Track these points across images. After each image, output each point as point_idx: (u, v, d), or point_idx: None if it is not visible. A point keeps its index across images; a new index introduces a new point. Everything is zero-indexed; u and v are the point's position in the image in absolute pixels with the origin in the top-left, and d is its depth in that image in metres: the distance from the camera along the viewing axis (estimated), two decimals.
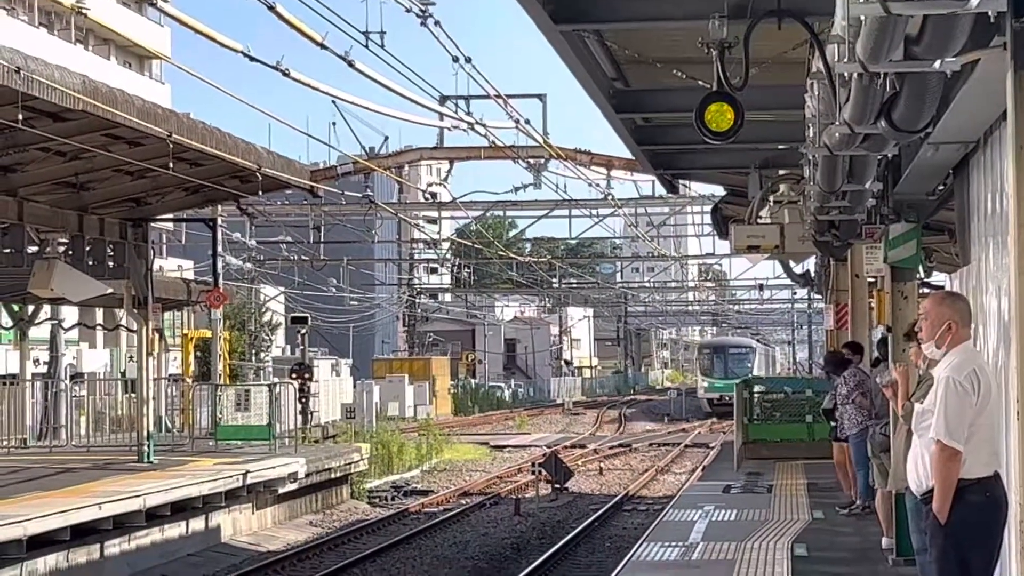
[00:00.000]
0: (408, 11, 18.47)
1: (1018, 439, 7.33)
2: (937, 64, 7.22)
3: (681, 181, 28.82)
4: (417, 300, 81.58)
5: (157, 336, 31.22)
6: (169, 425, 33.01)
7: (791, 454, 25.48)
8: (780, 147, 18.57)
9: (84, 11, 30.52)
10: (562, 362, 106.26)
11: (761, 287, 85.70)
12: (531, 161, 40.32)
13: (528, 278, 77.41)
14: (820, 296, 38.65)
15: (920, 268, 15.43)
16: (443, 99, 29.55)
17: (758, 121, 16.21)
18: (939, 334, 7.68)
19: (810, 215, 16.91)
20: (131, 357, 41.44)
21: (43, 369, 38.29)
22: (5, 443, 29.98)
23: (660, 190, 41.39)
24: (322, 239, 54.97)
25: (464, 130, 29.32)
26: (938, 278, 27.82)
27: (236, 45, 16.59)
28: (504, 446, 48.58)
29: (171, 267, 58.12)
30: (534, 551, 23.53)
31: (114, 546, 20.82)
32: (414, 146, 49.29)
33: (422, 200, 58.82)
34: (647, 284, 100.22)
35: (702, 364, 73.40)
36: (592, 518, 27.17)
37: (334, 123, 73.52)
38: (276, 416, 30.12)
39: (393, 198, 62.44)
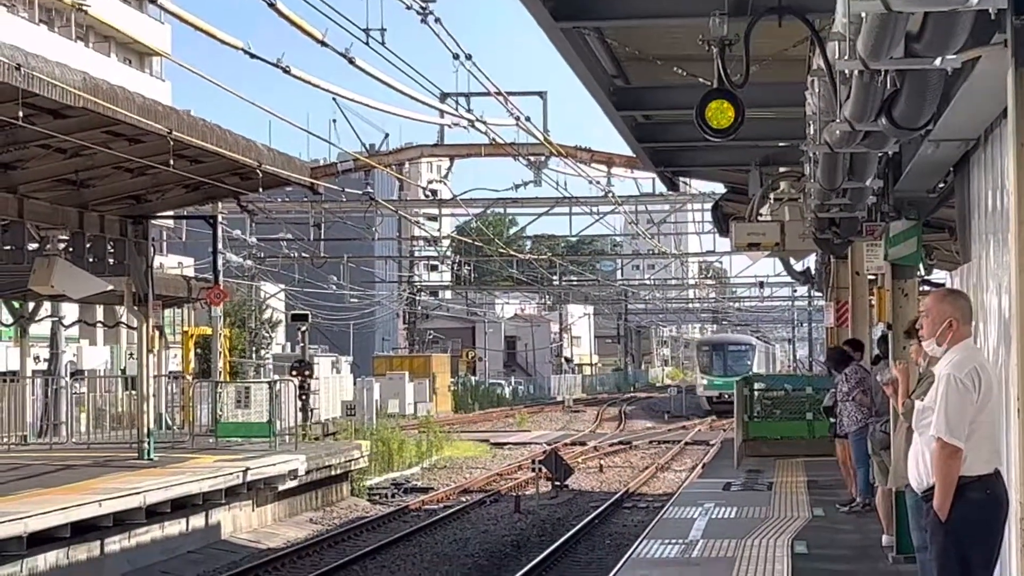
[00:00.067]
0: (409, 8, 18.45)
1: (1018, 437, 7.33)
2: (938, 61, 7.22)
3: (682, 178, 28.80)
4: (417, 297, 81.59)
5: (157, 333, 31.22)
6: (169, 422, 33.02)
7: (791, 451, 25.50)
8: (781, 144, 18.55)
9: (84, 8, 30.57)
10: (562, 359, 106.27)
11: (761, 284, 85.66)
12: (532, 158, 40.35)
13: (528, 275, 77.39)
14: (820, 294, 38.64)
15: (920, 266, 15.43)
16: (444, 96, 29.56)
17: (759, 118, 16.20)
18: (940, 331, 7.68)
19: (811, 212, 16.91)
20: (131, 354, 41.46)
21: (43, 366, 38.29)
22: (5, 440, 29.99)
23: (660, 187, 41.46)
24: (322, 236, 54.99)
25: (464, 127, 29.33)
26: (938, 276, 27.82)
27: (236, 42, 16.59)
28: (504, 443, 48.60)
29: (171, 264, 58.14)
30: (534, 548, 23.54)
31: (114, 543, 20.83)
32: (415, 143, 49.35)
33: (422, 197, 58.79)
34: (647, 281, 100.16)
35: (701, 361, 72.83)
36: (592, 515, 27.18)
37: (334, 120, 73.79)
38: (276, 413, 30.13)
39: (393, 195, 62.46)
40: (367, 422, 46.68)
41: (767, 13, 10.53)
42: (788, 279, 59.27)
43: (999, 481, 7.60)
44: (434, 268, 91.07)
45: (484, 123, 27.92)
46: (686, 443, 46.49)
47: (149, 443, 26.23)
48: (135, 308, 26.74)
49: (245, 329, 60.48)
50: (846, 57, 7.69)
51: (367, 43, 19.00)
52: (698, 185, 44.62)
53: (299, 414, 36.50)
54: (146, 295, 26.40)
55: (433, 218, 66.51)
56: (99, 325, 40.55)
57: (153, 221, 28.52)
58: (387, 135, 69.84)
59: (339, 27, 17.10)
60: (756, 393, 26.94)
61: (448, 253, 74.23)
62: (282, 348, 68.15)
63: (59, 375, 35.38)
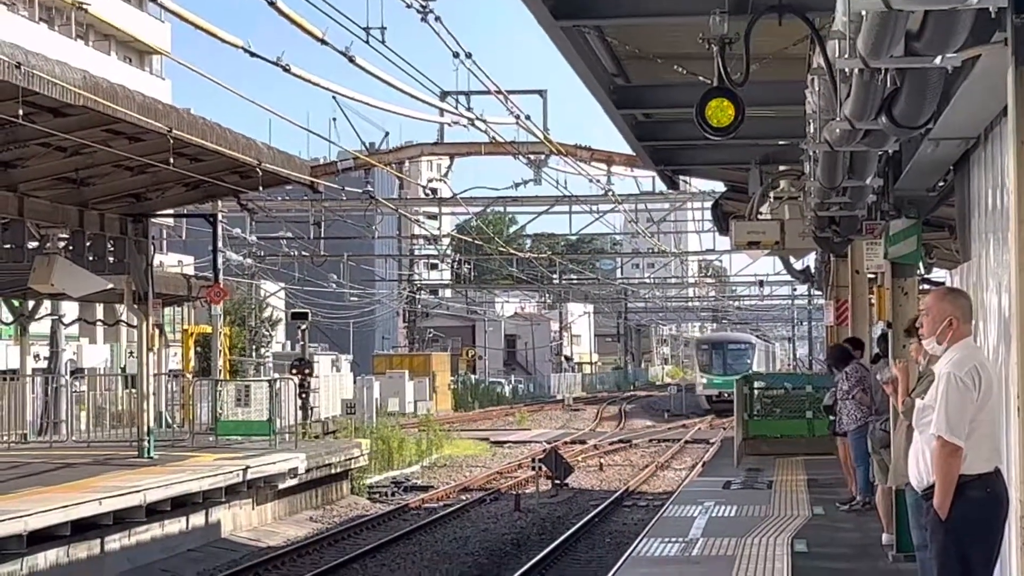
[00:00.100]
0: (409, 7, 18.44)
1: (1018, 435, 7.33)
2: (938, 60, 7.22)
3: (681, 177, 28.80)
4: (417, 296, 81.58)
5: (157, 332, 31.21)
6: (169, 420, 33.02)
7: (791, 450, 25.51)
8: (781, 143, 18.55)
9: (85, 7, 30.54)
10: (562, 358, 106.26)
11: (761, 283, 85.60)
12: (531, 157, 40.32)
13: (528, 274, 77.39)
14: (820, 292, 38.63)
15: (920, 264, 15.42)
16: (444, 95, 29.52)
17: (759, 117, 16.20)
18: (940, 330, 7.68)
19: (810, 211, 16.91)
20: (131, 352, 41.45)
21: (43, 364, 38.29)
22: (5, 438, 30.00)
23: (660, 186, 41.45)
24: (322, 235, 54.95)
25: (464, 126, 29.29)
26: (938, 274, 27.83)
27: (237, 41, 16.58)
28: (504, 442, 48.60)
29: (171, 263, 58.11)
30: (534, 547, 23.54)
31: (114, 541, 20.84)
32: (414, 142, 49.26)
33: (422, 196, 58.77)
34: (647, 280, 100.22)
35: (700, 360, 72.20)
36: (592, 514, 27.18)
37: (334, 119, 73.63)
38: (276, 412, 30.14)
39: (393, 194, 62.50)
40: (367, 420, 46.69)
41: (767, 11, 10.53)
42: (788, 278, 59.31)
43: (999, 479, 7.60)
44: (434, 267, 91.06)
45: (484, 121, 27.91)
46: (686, 442, 46.49)
47: (149, 441, 26.25)
48: (135, 306, 26.74)
49: (245, 327, 60.47)
50: (846, 55, 7.69)
51: (367, 41, 19.00)
52: (698, 183, 44.62)
53: (299, 412, 36.51)
54: (146, 293, 26.41)
55: (433, 216, 66.47)
56: (99, 323, 40.55)
57: (153, 219, 28.53)
58: (387, 133, 69.96)
59: (339, 25, 17.10)
60: (756, 392, 26.94)
61: (448, 252, 74.21)
62: (282, 346, 68.15)
63: (59, 373, 35.39)
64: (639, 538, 16.38)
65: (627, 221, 55.27)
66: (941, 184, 13.06)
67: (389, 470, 36.28)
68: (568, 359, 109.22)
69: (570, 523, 26.24)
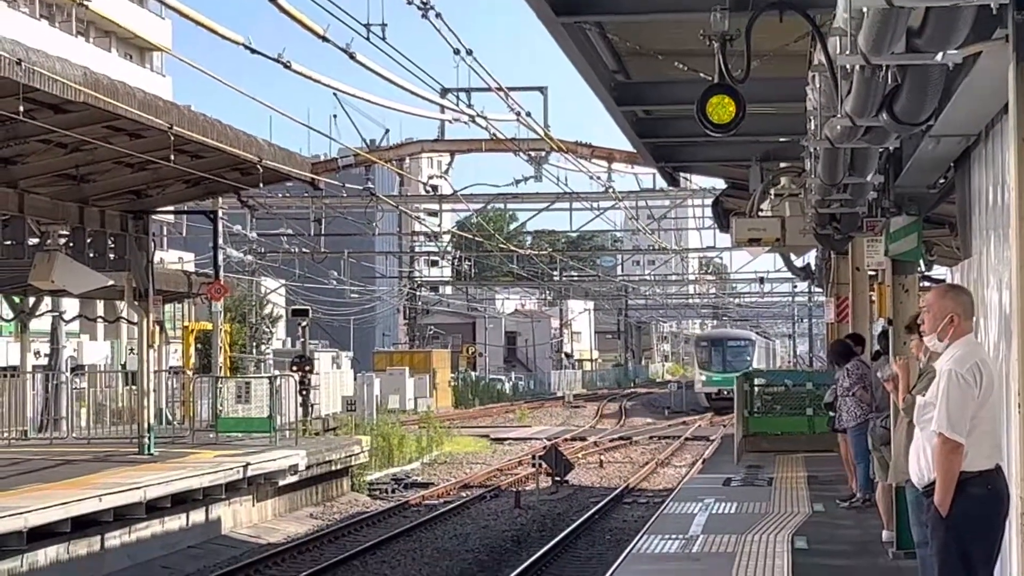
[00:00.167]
0: (409, 3, 18.44)
1: (1019, 432, 7.33)
2: (939, 56, 7.22)
3: (682, 174, 28.80)
4: (418, 293, 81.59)
5: (158, 328, 31.21)
6: (170, 417, 33.04)
7: (791, 447, 25.50)
8: (781, 140, 18.54)
9: (85, 3, 30.54)
10: (562, 355, 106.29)
11: (762, 280, 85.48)
12: (532, 154, 40.32)
13: (529, 271, 77.41)
14: (821, 289, 38.63)
15: (921, 261, 15.41)
16: (444, 92, 29.51)
17: (759, 114, 16.19)
18: (941, 327, 7.68)
19: (811, 208, 16.90)
20: (132, 349, 41.50)
21: (44, 361, 38.31)
22: (6, 435, 30.00)
23: (661, 183, 41.38)
24: (323, 231, 54.95)
25: (465, 123, 29.29)
26: (939, 271, 27.81)
27: (237, 37, 16.57)
28: (504, 439, 48.61)
29: (172, 259, 58.11)
30: (534, 544, 23.55)
31: (114, 538, 20.84)
32: (415, 138, 49.25)
33: (423, 193, 58.76)
34: (648, 277, 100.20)
35: (700, 357, 71.39)
36: (592, 511, 27.18)
37: (335, 115, 73.93)
38: (277, 408, 30.16)
39: (394, 191, 62.47)
40: (367, 417, 46.71)
41: (768, 8, 10.53)
42: (788, 275, 59.23)
43: (1000, 476, 7.60)
44: (434, 263, 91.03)
45: (485, 118, 27.90)
46: (686, 439, 46.49)
47: (149, 438, 26.25)
48: (135, 303, 26.75)
49: (245, 324, 60.47)
50: (847, 52, 7.68)
51: (368, 38, 18.98)
52: (698, 181, 44.64)
53: (299, 409, 36.52)
54: (146, 290, 26.41)
55: (433, 213, 66.45)
56: (99, 320, 40.66)
57: (153, 216, 28.55)
58: (387, 130, 69.81)
59: (340, 22, 17.08)
60: (756, 389, 26.93)
61: (448, 248, 74.21)
62: (282, 343, 68.13)
63: (59, 370, 35.41)
64: (639, 535, 16.38)
65: (628, 218, 55.30)
66: (942, 181, 13.06)
67: (389, 467, 36.29)
68: (568, 356, 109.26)
69: (570, 520, 26.24)
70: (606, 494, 30.39)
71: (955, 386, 7.43)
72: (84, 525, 19.70)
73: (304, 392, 39.53)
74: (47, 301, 34.95)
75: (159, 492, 21.60)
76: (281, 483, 27.01)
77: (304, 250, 57.14)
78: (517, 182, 46.54)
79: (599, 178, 41.11)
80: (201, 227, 47.98)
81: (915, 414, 8.08)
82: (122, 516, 20.70)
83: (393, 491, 32.63)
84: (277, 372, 41.17)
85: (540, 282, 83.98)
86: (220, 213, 39.71)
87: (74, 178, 23.75)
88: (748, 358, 68.77)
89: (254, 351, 59.05)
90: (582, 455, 40.43)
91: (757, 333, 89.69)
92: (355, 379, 56.01)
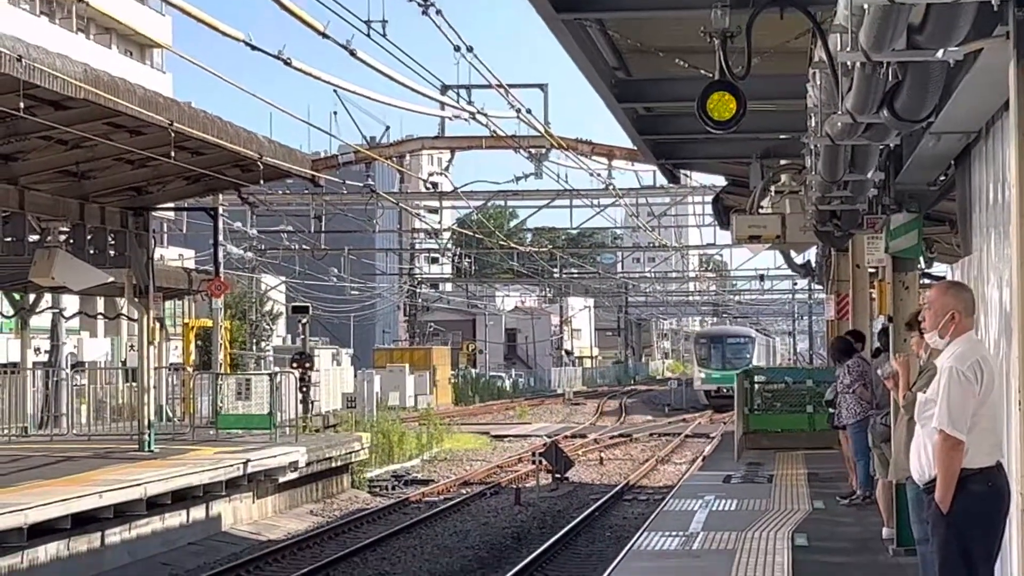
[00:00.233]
0: (410, 0, 18.44)
1: (1019, 429, 7.33)
2: (940, 53, 7.22)
3: (682, 171, 28.80)
4: (418, 290, 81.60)
5: (158, 325, 31.22)
6: (170, 414, 33.03)
7: (792, 444, 25.51)
8: (782, 137, 18.54)
9: (85, 0, 30.52)
10: (563, 352, 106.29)
11: (762, 277, 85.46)
12: (532, 151, 40.29)
13: (529, 268, 77.38)
14: (821, 286, 38.65)
15: (921, 259, 15.41)
16: (444, 88, 29.51)
17: (760, 111, 16.19)
18: (942, 324, 7.68)
19: (811, 205, 16.90)
20: (132, 346, 41.49)
21: (44, 358, 38.30)
22: (6, 432, 29.99)
23: (661, 180, 41.37)
24: (323, 228, 54.95)
25: (465, 120, 29.28)
26: (939, 269, 27.84)
27: (237, 34, 16.56)
28: (504, 436, 48.61)
29: (172, 256, 58.12)
30: (534, 540, 23.55)
31: (115, 534, 20.84)
32: (415, 135, 49.22)
33: (423, 190, 58.79)
34: (648, 274, 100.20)
35: (699, 354, 70.69)
36: (592, 508, 27.19)
37: (335, 112, 73.46)
38: (277, 405, 30.14)
39: (394, 187, 62.47)
40: (367, 414, 46.73)
41: (769, 5, 10.53)
42: (789, 272, 59.29)
43: (1001, 473, 7.60)
44: (435, 260, 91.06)
45: (485, 115, 27.89)
46: (686, 436, 46.49)
47: (150, 435, 26.25)
48: (136, 300, 26.75)
49: (246, 321, 60.49)
50: (848, 49, 7.69)
51: (368, 35, 18.98)
52: (699, 178, 44.62)
53: (299, 406, 36.50)
54: (147, 287, 26.42)
55: (434, 210, 66.45)
56: (100, 317, 40.67)
57: (154, 213, 28.56)
58: (388, 127, 69.74)
59: (340, 19, 17.08)
60: (756, 386, 26.93)
61: (449, 245, 74.23)
62: (282, 340, 68.14)
63: (60, 367, 35.40)
64: (639, 532, 16.38)
65: (628, 215, 55.27)
66: (942, 178, 13.06)
67: (389, 464, 36.29)
68: (568, 353, 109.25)
69: (570, 517, 26.24)
70: (606, 491, 30.39)
71: (956, 383, 7.43)
72: (84, 522, 19.71)
73: (304, 389, 39.51)
74: (47, 298, 34.92)
75: (159, 489, 21.60)
76: (281, 480, 27.01)
77: (304, 247, 57.12)
78: (517, 179, 46.55)
79: (599, 175, 41.08)
80: (201, 224, 47.99)
81: (916, 411, 8.08)
82: (122, 513, 20.70)
83: (393, 488, 32.63)
84: (277, 369, 41.16)
85: (540, 279, 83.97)
86: (220, 210, 39.68)
87: (74, 175, 23.75)
88: (748, 355, 68.33)
89: (254, 348, 59.07)
90: (582, 452, 40.44)
91: (757, 330, 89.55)
92: (355, 376, 56.02)
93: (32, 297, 33.65)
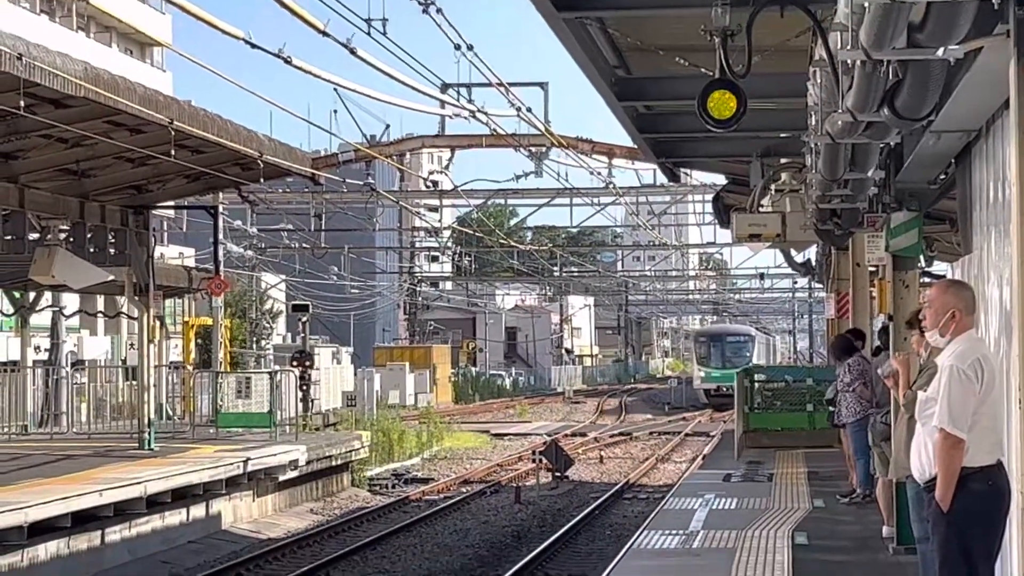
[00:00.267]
0: None
1: (1020, 428, 7.33)
2: (940, 52, 7.22)
3: (683, 170, 28.81)
4: (418, 288, 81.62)
5: (158, 323, 31.22)
6: (170, 412, 33.02)
7: (792, 443, 25.51)
8: (782, 135, 18.55)
9: None
10: (563, 350, 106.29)
11: (762, 276, 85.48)
12: (532, 149, 40.32)
13: (529, 266, 77.39)
14: (821, 285, 38.64)
15: (921, 257, 15.41)
16: (445, 87, 29.52)
17: (760, 109, 16.18)
18: (943, 322, 7.67)
19: (812, 203, 16.90)
20: (132, 344, 41.47)
21: (44, 356, 38.29)
22: (6, 430, 29.99)
23: (661, 178, 41.38)
24: (323, 227, 54.97)
25: (466, 118, 29.31)
26: (939, 267, 27.84)
27: (238, 32, 16.57)
28: (505, 434, 48.61)
29: (172, 254, 58.13)
30: (534, 539, 23.54)
31: (115, 533, 20.84)
32: (415, 134, 49.26)
33: (423, 188, 58.81)
34: (648, 273, 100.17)
35: (698, 352, 70.24)
36: (592, 506, 27.18)
37: (335, 111, 73.51)
38: (277, 404, 30.14)
39: (394, 186, 62.43)
40: (367, 413, 46.74)
41: (769, 3, 10.53)
42: (789, 270, 59.21)
43: (1001, 472, 7.60)
44: (435, 259, 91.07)
45: (485, 114, 27.90)
46: (686, 434, 46.50)
47: (150, 433, 26.25)
48: (136, 298, 26.74)
49: (246, 319, 60.51)
50: (848, 47, 7.68)
51: (368, 33, 19.00)
52: (699, 176, 44.65)
53: (300, 404, 36.50)
54: (147, 285, 26.41)
55: (434, 209, 66.47)
56: (100, 315, 40.62)
57: (154, 211, 28.54)
58: (388, 126, 69.96)
59: (340, 17, 17.10)
60: (757, 384, 26.93)
61: (449, 244, 74.28)
62: (283, 339, 68.16)
63: (60, 365, 35.39)
64: (639, 530, 16.38)
65: (628, 214, 55.28)
66: (942, 177, 13.06)
67: (389, 462, 36.30)
68: (568, 352, 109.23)
69: (570, 515, 26.24)
70: (606, 490, 30.39)
71: (956, 382, 7.43)
72: (84, 520, 19.70)
73: (304, 387, 39.51)
74: (47, 296, 34.94)
75: (159, 487, 21.60)
76: (281, 478, 27.01)
77: (304, 245, 57.14)
78: (517, 177, 46.62)
79: (599, 174, 41.11)
80: (201, 222, 48.02)
81: (916, 410, 8.08)
82: (122, 511, 20.70)
83: (393, 486, 32.63)
84: (277, 367, 41.15)
85: (540, 278, 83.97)
86: (220, 208, 39.67)
87: (75, 173, 23.75)
88: (747, 354, 68.00)
89: (254, 346, 59.08)
90: (582, 451, 40.43)
91: (757, 329, 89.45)
92: (355, 374, 56.02)
93: (32, 295, 33.66)
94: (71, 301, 37.80)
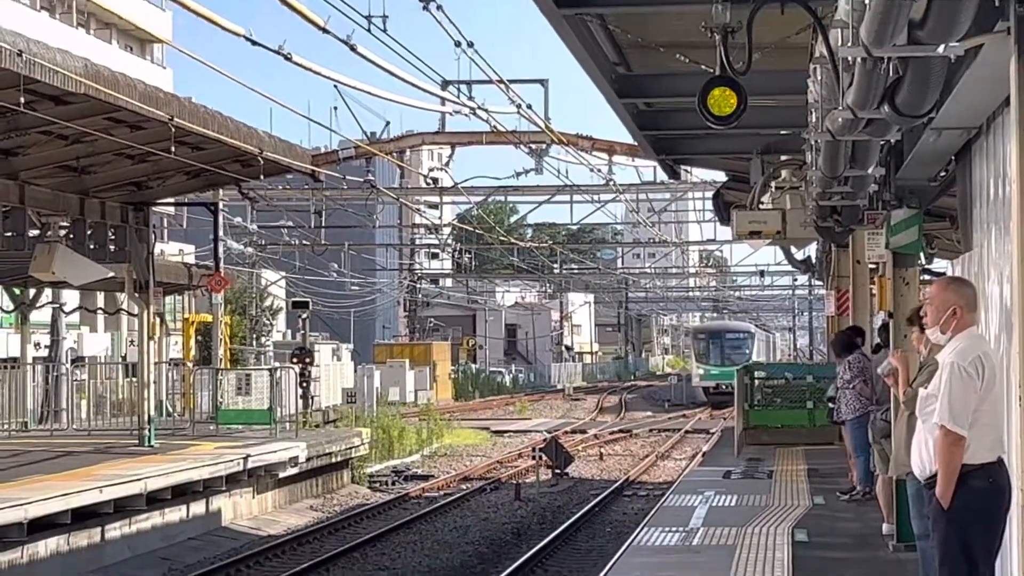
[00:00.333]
0: None
1: (1020, 425, 7.34)
2: (941, 49, 7.22)
3: (683, 167, 28.80)
4: (418, 285, 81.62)
5: (158, 320, 31.22)
6: (170, 409, 33.02)
7: (792, 440, 25.52)
8: (782, 132, 18.53)
9: None
10: (563, 348, 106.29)
11: (762, 273, 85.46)
12: (533, 146, 40.35)
13: (529, 263, 77.40)
14: (821, 282, 38.64)
15: (921, 254, 15.41)
16: (445, 84, 29.54)
17: (760, 106, 16.17)
18: (944, 319, 7.68)
19: (812, 201, 16.90)
20: (132, 341, 41.48)
21: (44, 353, 38.29)
22: (6, 426, 30.01)
23: (661, 176, 41.43)
24: (323, 224, 54.98)
25: (466, 115, 29.34)
26: (940, 264, 27.83)
27: (238, 29, 16.57)
28: (504, 431, 48.63)
29: (172, 251, 58.14)
30: (534, 536, 23.56)
31: (115, 529, 20.85)
32: (416, 131, 49.29)
33: (423, 185, 58.79)
34: (648, 270, 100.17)
35: (697, 350, 69.78)
36: (592, 503, 27.20)
37: (335, 108, 73.72)
38: (277, 400, 30.14)
39: (394, 183, 62.46)
40: (367, 410, 46.71)
41: (770, 0, 10.52)
42: (789, 268, 59.18)
43: (1002, 469, 7.60)
44: (435, 256, 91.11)
45: (485, 111, 27.92)
46: (686, 431, 46.52)
47: (150, 430, 26.25)
48: (136, 295, 26.74)
49: (246, 316, 60.49)
50: (849, 44, 7.68)
51: (369, 30, 19.01)
52: (699, 173, 44.66)
53: (300, 401, 36.51)
54: (147, 282, 26.40)
55: (434, 206, 66.50)
56: (100, 312, 40.56)
57: (154, 208, 28.52)
58: (388, 123, 70.19)
59: (341, 14, 17.09)
60: (757, 381, 26.94)
61: (449, 241, 74.26)
62: (283, 335, 68.16)
63: (60, 362, 35.38)
64: (639, 527, 16.38)
65: (628, 211, 55.28)
66: (943, 174, 13.06)
67: (389, 459, 36.31)
68: (568, 349, 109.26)
69: (570, 512, 26.25)
70: (606, 487, 30.40)
71: (957, 379, 7.43)
72: (84, 517, 19.71)
73: (304, 384, 39.52)
74: (47, 292, 34.95)
75: (159, 484, 21.61)
76: (281, 475, 27.02)
77: (304, 242, 57.16)
78: (518, 175, 46.62)
79: (600, 171, 41.15)
80: (201, 219, 48.02)
81: (917, 407, 8.08)
82: (122, 508, 20.70)
83: (393, 483, 32.64)
84: (277, 364, 41.16)
85: (540, 275, 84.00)
86: (220, 205, 39.68)
87: (75, 170, 23.74)
88: (747, 351, 67.56)
89: (254, 343, 59.08)
90: (582, 448, 40.45)
91: (757, 326, 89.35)
92: (355, 371, 56.00)
93: (32, 292, 33.66)
94: (71, 298, 37.81)
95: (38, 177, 23.45)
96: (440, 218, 66.11)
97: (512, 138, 34.97)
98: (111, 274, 26.07)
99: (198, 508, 23.69)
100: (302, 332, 47.28)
